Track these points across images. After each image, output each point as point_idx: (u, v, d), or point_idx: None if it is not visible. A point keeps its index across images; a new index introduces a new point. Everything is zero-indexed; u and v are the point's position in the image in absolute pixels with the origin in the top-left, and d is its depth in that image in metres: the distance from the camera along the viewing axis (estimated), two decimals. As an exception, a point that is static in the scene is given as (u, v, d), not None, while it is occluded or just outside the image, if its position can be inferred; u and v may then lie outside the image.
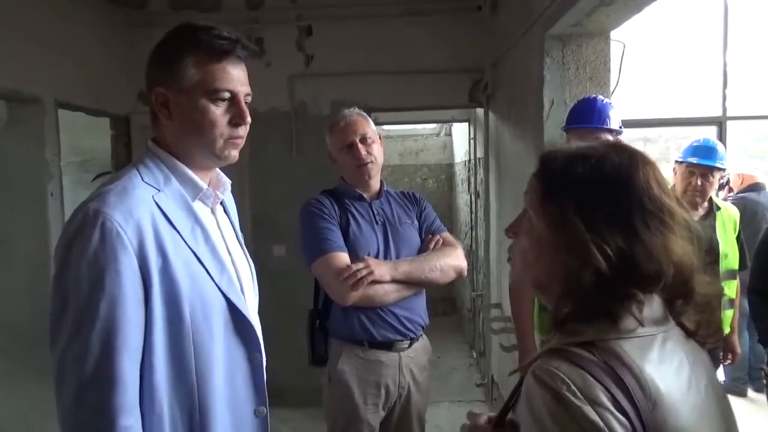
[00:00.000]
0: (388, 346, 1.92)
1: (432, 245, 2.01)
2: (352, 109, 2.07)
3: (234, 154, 1.18)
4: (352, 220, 1.96)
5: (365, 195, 2.03)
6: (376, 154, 2.01)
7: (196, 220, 1.15)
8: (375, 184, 2.05)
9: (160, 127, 1.17)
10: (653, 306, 0.79)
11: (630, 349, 0.75)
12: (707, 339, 0.86)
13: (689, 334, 0.84)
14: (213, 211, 1.25)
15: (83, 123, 3.69)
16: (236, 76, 1.15)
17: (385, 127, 6.27)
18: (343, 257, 1.86)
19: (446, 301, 6.61)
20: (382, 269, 1.84)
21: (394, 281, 1.87)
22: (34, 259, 2.99)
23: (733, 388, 4.03)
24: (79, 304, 1.00)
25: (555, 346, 0.77)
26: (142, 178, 1.11)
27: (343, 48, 3.89)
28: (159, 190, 1.11)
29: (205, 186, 1.19)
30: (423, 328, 2.03)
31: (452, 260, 1.98)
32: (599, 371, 0.72)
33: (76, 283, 1.00)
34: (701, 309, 0.83)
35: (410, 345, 1.97)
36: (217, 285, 1.14)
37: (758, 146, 6.28)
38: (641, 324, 0.77)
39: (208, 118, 1.12)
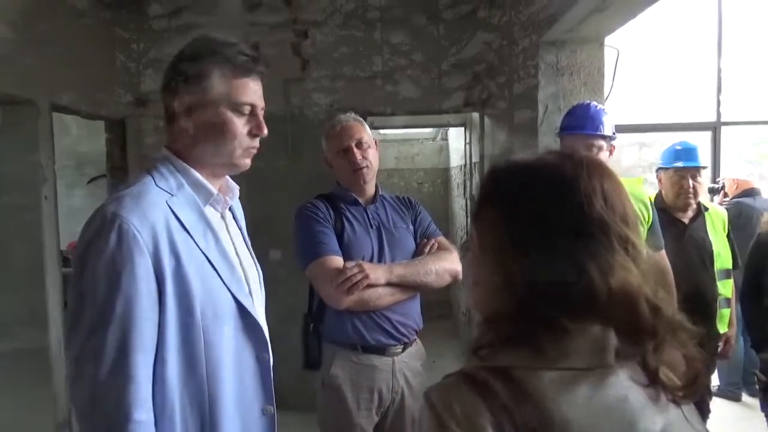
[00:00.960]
0: (382, 350, 1.92)
1: (427, 249, 2.01)
2: (348, 113, 2.08)
3: (248, 162, 1.27)
4: (347, 224, 1.96)
5: (360, 199, 2.03)
6: (372, 158, 2.01)
7: (207, 224, 1.20)
8: (370, 188, 2.06)
9: (173, 134, 1.23)
10: (591, 337, 0.69)
11: (549, 381, 0.67)
12: (673, 391, 0.72)
13: (651, 379, 0.71)
14: (222, 216, 1.31)
15: (78, 126, 3.69)
16: (256, 91, 1.23)
17: (381, 131, 6.28)
18: (338, 261, 1.86)
19: (442, 305, 6.61)
20: (377, 272, 1.84)
21: (388, 285, 1.87)
22: (29, 263, 2.98)
23: (728, 392, 4.04)
24: (96, 304, 1.05)
25: (467, 369, 0.71)
26: (155, 183, 1.16)
27: (339, 52, 3.90)
28: (172, 195, 1.17)
29: (216, 191, 1.25)
30: (417, 332, 2.03)
31: (447, 264, 1.98)
32: (496, 402, 0.65)
33: (93, 284, 1.05)
34: (686, 362, 0.73)
35: (404, 349, 1.97)
36: (227, 287, 1.19)
37: (754, 151, 6.31)
38: (565, 355, 0.68)
39: (231, 128, 1.20)
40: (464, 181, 5.36)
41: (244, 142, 1.22)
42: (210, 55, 1.19)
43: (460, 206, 5.81)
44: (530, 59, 2.68)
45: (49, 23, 3.07)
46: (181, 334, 1.11)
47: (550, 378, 0.67)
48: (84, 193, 5.29)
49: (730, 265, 2.75)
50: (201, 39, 1.22)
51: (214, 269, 1.17)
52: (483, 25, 3.77)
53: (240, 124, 1.20)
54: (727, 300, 2.73)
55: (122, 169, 3.83)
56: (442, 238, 2.09)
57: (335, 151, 2.01)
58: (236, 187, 1.36)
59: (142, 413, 1.06)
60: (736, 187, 4.16)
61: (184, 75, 1.19)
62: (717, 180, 4.32)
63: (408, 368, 1.99)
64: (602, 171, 0.75)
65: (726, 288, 2.71)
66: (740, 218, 3.66)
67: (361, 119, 2.07)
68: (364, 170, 1.99)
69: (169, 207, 1.14)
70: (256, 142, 1.25)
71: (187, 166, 1.21)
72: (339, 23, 3.87)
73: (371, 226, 1.99)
